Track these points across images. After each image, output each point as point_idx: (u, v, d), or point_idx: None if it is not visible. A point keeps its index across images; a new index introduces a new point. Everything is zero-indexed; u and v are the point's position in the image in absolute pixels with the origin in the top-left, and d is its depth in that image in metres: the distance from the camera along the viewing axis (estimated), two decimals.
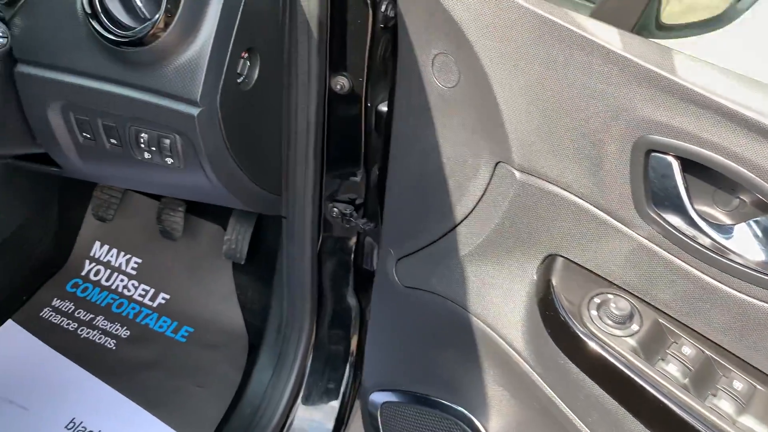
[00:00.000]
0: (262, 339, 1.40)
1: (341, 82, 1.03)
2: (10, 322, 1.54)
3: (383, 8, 0.98)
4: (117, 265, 1.66)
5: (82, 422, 1.37)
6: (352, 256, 1.28)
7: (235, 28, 0.84)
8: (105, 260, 1.67)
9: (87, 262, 1.67)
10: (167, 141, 0.88)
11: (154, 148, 0.89)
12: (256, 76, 0.92)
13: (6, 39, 0.71)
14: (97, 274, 1.65)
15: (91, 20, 0.79)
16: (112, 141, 0.91)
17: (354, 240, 1.26)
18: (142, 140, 0.89)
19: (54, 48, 0.84)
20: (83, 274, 1.65)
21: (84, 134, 0.92)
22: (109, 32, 0.79)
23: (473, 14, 0.72)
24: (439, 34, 0.77)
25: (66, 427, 1.36)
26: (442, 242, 0.90)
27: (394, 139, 0.90)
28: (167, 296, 1.61)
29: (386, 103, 1.08)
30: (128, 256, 1.66)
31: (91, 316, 1.57)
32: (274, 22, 0.93)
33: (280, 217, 1.40)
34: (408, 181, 0.92)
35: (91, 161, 0.97)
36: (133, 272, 1.65)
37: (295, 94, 1.01)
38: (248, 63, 0.90)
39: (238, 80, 0.89)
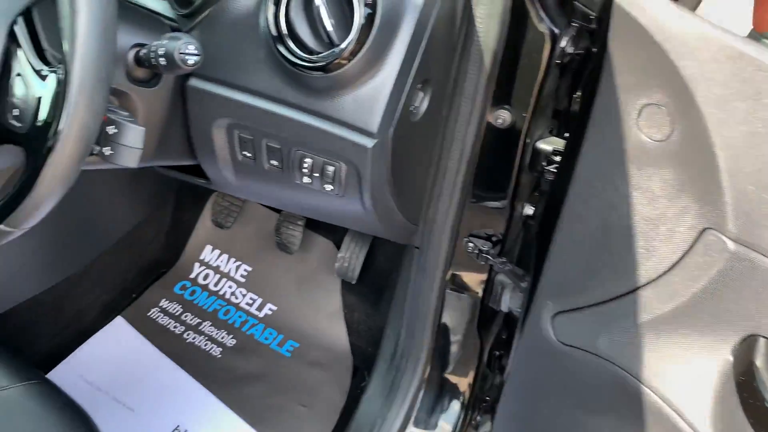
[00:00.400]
0: (373, 366, 1.35)
1: (503, 116, 0.98)
2: (119, 318, 1.55)
3: (563, 43, 0.92)
4: (226, 270, 1.65)
5: (186, 431, 1.36)
6: (480, 293, 1.22)
7: (418, 59, 0.79)
8: (214, 265, 1.67)
9: (197, 265, 1.67)
10: (331, 168, 0.85)
11: (316, 174, 0.86)
12: (425, 107, 0.87)
13: (200, 57, 0.68)
14: (205, 278, 1.65)
15: (276, 43, 0.77)
16: (273, 162, 0.88)
17: (484, 277, 1.21)
18: (305, 165, 0.86)
19: (230, 65, 0.82)
20: (192, 276, 1.66)
21: (245, 153, 0.89)
22: (294, 55, 0.76)
23: (705, 71, 0.65)
24: (654, 85, 0.70)
25: None
26: (617, 303, 0.83)
27: (574, 185, 0.84)
28: (274, 308, 1.59)
29: (545, 141, 1.03)
30: (238, 263, 1.66)
31: (198, 320, 1.57)
32: (448, 53, 0.89)
33: (398, 243, 1.36)
34: (584, 231, 0.86)
35: (244, 179, 0.94)
36: (242, 280, 1.64)
37: (453, 124, 0.97)
38: (421, 94, 0.86)
39: (411, 111, 0.85)
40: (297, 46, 0.77)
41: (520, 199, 1.10)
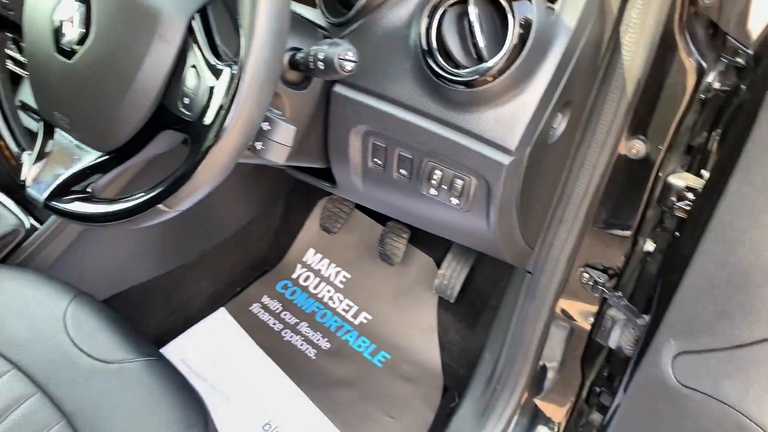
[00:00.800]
0: (466, 386, 1.34)
1: (637, 147, 0.96)
2: (222, 309, 1.61)
3: (710, 78, 0.89)
4: (326, 275, 1.69)
5: (277, 427, 1.40)
6: (588, 326, 1.19)
7: (563, 82, 0.79)
8: (316, 268, 1.71)
9: (299, 266, 1.72)
10: (460, 182, 0.85)
11: (444, 187, 0.87)
12: (562, 129, 0.87)
13: (357, 63, 0.71)
14: (306, 279, 1.69)
15: (425, 55, 0.78)
16: (402, 172, 0.90)
17: (594, 309, 1.18)
18: (434, 177, 0.87)
19: (376, 74, 0.84)
20: (294, 277, 1.70)
21: (376, 160, 0.91)
22: (441, 68, 0.78)
23: None
24: None
25: (263, 427, 1.39)
26: (752, 350, 0.79)
27: (714, 224, 0.81)
28: (369, 317, 1.61)
29: (678, 176, 1.00)
30: (338, 268, 1.69)
31: (296, 320, 1.61)
32: (590, 77, 0.88)
33: (502, 266, 1.34)
34: (721, 272, 0.82)
35: (371, 186, 0.97)
36: (341, 285, 1.67)
37: (585, 150, 0.95)
38: (560, 116, 0.85)
39: (549, 133, 0.84)
40: (444, 60, 0.78)
41: (643, 233, 1.07)
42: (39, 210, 1.31)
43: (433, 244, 1.62)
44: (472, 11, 0.75)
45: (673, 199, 1.00)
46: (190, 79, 0.68)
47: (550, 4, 0.76)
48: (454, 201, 0.88)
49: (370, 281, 1.65)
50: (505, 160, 0.79)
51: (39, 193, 0.78)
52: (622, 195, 1.02)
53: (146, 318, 1.51)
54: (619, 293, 1.08)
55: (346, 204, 1.66)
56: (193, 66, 0.68)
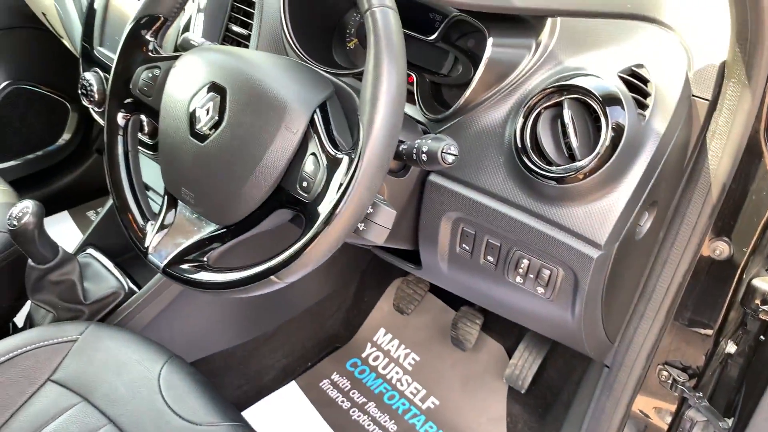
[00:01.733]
0: None
1: (721, 248, 0.98)
2: (293, 383, 1.65)
3: None
4: (396, 356, 1.71)
5: None
6: (665, 425, 1.17)
7: (651, 182, 0.83)
8: (385, 348, 1.73)
9: (369, 345, 1.75)
10: (547, 272, 0.89)
11: (531, 276, 0.91)
12: (647, 227, 0.90)
13: (458, 157, 0.77)
14: (375, 359, 1.72)
15: (520, 153, 0.84)
16: (489, 259, 0.94)
17: (672, 408, 1.16)
18: (521, 265, 0.91)
19: (469, 167, 0.90)
20: (363, 355, 1.73)
21: (464, 246, 0.96)
22: (535, 165, 0.83)
23: None
24: None
25: None
26: None
27: None
28: (437, 402, 1.61)
29: (762, 279, 1.00)
30: (408, 350, 1.71)
31: (364, 400, 1.62)
32: (676, 178, 0.92)
33: (571, 357, 1.35)
34: None
35: (456, 270, 1.01)
36: (409, 368, 1.69)
37: (669, 248, 0.98)
38: (647, 214, 0.89)
39: (635, 230, 0.88)
40: (537, 157, 0.84)
41: (725, 334, 1.06)
42: (138, 275, 1.41)
43: (504, 332, 1.64)
44: (567, 114, 0.81)
45: (757, 302, 1.00)
46: (309, 164, 0.76)
47: (640, 111, 0.81)
48: (540, 290, 0.91)
49: (440, 365, 1.66)
50: (594, 253, 0.83)
51: (159, 261, 0.85)
52: (704, 294, 1.03)
53: (223, 385, 1.56)
54: (700, 394, 1.07)
55: (420, 286, 1.70)
56: (313, 154, 0.76)
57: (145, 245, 0.88)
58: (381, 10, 0.71)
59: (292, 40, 1.07)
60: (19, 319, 1.40)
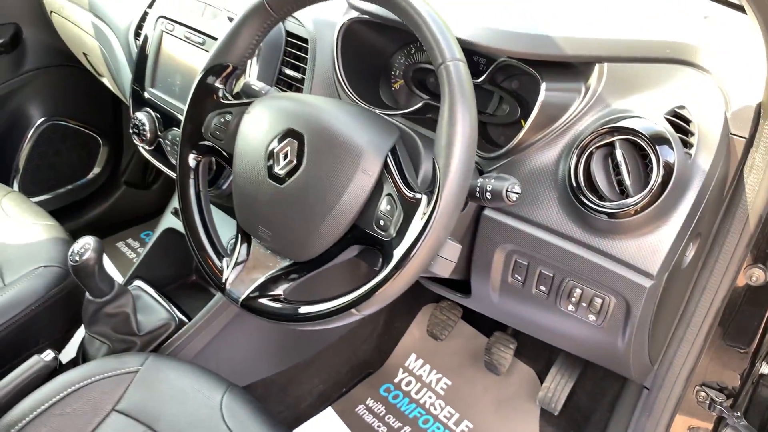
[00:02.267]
0: None
1: (757, 275, 1.04)
2: (330, 409, 1.69)
3: None
4: (428, 381, 1.76)
5: None
6: None
7: (698, 215, 0.89)
8: (417, 373, 1.78)
9: (401, 370, 1.79)
10: (599, 301, 0.95)
11: (584, 304, 0.96)
12: (691, 257, 0.96)
13: (520, 195, 0.83)
14: (408, 384, 1.76)
15: (573, 189, 0.90)
16: (541, 288, 1.00)
17: (709, 427, 1.21)
18: (574, 294, 0.96)
19: (525, 202, 0.96)
20: (396, 381, 1.78)
21: (516, 276, 1.02)
22: (589, 200, 0.89)
23: None
24: None
25: None
26: None
27: None
28: (470, 425, 1.66)
29: None
30: (439, 375, 1.76)
31: (399, 424, 1.67)
32: (716, 210, 0.98)
33: (600, 380, 1.39)
34: None
35: (506, 299, 1.07)
36: (442, 392, 1.73)
37: (708, 275, 1.03)
38: (691, 245, 0.95)
39: (682, 260, 0.94)
40: (590, 192, 0.90)
41: (761, 356, 1.12)
42: (185, 305, 1.46)
43: (535, 357, 1.69)
44: (619, 153, 0.87)
45: None
46: (384, 204, 0.81)
47: (686, 150, 0.88)
48: (591, 317, 0.97)
49: (471, 389, 1.71)
50: (647, 283, 0.89)
51: (237, 295, 0.91)
52: (741, 318, 1.09)
53: None
54: (738, 413, 1.12)
55: (453, 312, 1.75)
56: (389, 194, 0.81)
57: (223, 281, 0.93)
58: (454, 63, 0.77)
59: (345, 82, 1.13)
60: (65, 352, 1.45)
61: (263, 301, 0.89)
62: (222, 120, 0.97)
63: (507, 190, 0.82)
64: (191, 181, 1.00)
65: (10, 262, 1.40)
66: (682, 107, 0.91)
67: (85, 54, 1.75)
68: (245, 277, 0.92)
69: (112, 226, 2.26)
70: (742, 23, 1.10)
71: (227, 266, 0.94)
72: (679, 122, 0.89)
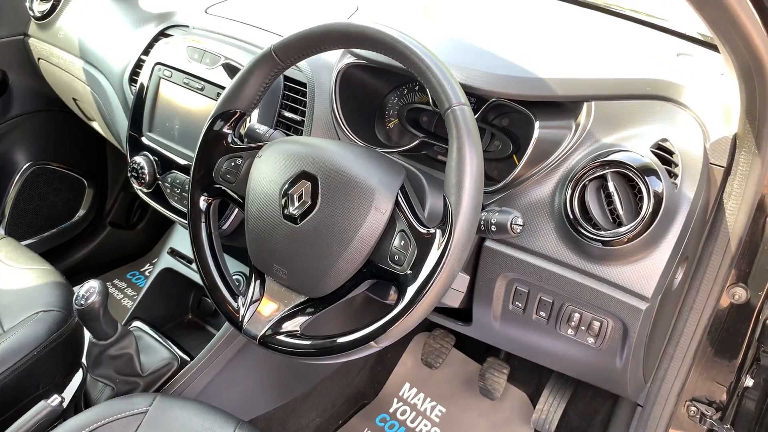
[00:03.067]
0: None
1: (739, 293, 1.11)
2: None
3: None
4: (422, 409, 1.79)
5: None
6: None
7: (686, 240, 0.96)
8: (412, 402, 1.81)
9: (395, 400, 1.82)
10: (598, 323, 1.00)
11: (583, 328, 1.02)
12: (679, 279, 1.02)
13: (523, 227, 0.88)
14: (403, 413, 1.79)
15: (570, 220, 0.96)
16: (541, 314, 1.05)
17: None
18: (573, 319, 1.02)
19: (524, 233, 1.02)
20: (391, 410, 1.80)
21: (516, 303, 1.07)
22: (584, 229, 0.95)
23: None
24: None
25: None
26: None
27: None
28: None
29: None
30: (434, 402, 1.79)
31: None
32: (700, 235, 1.05)
33: (591, 400, 1.45)
34: None
35: (506, 326, 1.11)
36: (437, 419, 1.76)
37: (694, 295, 1.10)
38: (680, 268, 1.01)
39: (672, 282, 1.00)
40: (586, 222, 0.96)
41: (745, 369, 1.19)
42: (185, 343, 1.48)
43: (526, 380, 1.73)
44: (611, 185, 0.93)
45: None
46: (398, 240, 0.86)
47: (672, 180, 0.95)
48: (590, 340, 1.02)
49: (467, 416, 1.74)
50: (643, 305, 0.95)
51: (255, 333, 0.94)
52: (726, 334, 1.16)
53: None
54: (728, 426, 1.18)
55: (446, 340, 1.79)
56: (402, 231, 0.86)
57: (239, 320, 0.96)
58: (459, 107, 0.83)
59: (343, 123, 1.18)
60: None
61: (281, 338, 0.92)
62: (233, 164, 1.01)
63: (512, 223, 0.88)
64: (203, 224, 1.04)
65: (7, 308, 1.40)
66: (665, 140, 0.99)
67: (74, 99, 1.77)
68: (261, 315, 0.95)
69: (99, 267, 2.26)
70: (713, 59, 1.19)
71: (242, 304, 0.97)
72: (664, 154, 0.96)
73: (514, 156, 1.13)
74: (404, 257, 0.85)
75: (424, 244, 0.84)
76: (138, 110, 1.40)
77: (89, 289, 1.22)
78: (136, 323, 1.50)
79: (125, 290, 2.23)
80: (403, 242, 0.86)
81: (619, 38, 1.24)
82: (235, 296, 0.99)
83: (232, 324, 0.98)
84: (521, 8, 1.37)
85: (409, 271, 0.84)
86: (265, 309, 0.96)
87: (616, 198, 0.93)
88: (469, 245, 0.83)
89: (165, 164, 1.37)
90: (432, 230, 0.84)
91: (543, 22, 1.29)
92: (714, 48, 1.22)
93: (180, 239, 1.56)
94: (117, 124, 1.55)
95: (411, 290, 0.83)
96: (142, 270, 2.34)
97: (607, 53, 1.13)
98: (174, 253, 1.56)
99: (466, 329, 1.20)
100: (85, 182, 2.17)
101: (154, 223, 2.39)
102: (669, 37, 1.27)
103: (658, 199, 0.92)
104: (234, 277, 1.43)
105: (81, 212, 2.20)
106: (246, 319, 0.96)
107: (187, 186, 1.29)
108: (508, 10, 1.35)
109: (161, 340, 1.44)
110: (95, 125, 1.78)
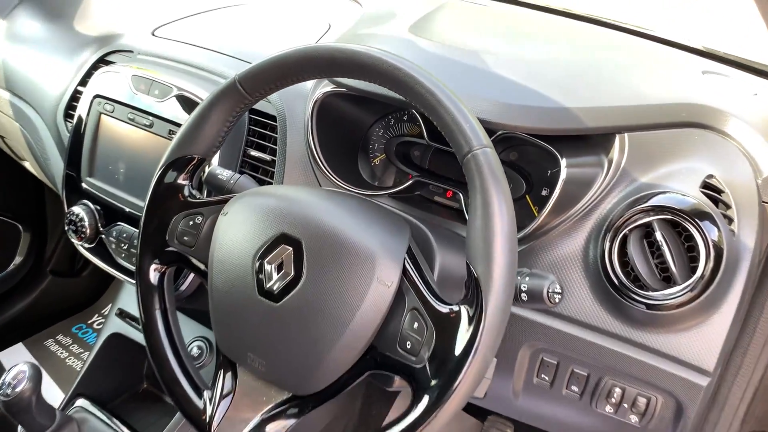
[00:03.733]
0: None
1: None
2: None
3: None
4: None
5: None
6: None
7: (748, 299, 0.80)
8: None
9: None
10: (644, 400, 0.83)
11: (625, 405, 0.84)
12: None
13: (562, 296, 0.71)
14: None
15: (612, 278, 0.79)
16: (573, 389, 0.88)
17: None
18: (614, 395, 0.84)
19: None
20: None
21: (543, 376, 0.89)
22: (630, 290, 0.78)
23: None
24: None
25: None
26: None
27: None
28: None
29: None
30: None
31: None
32: (752, 286, 0.89)
33: None
34: None
35: (529, 400, 0.94)
36: None
37: (742, 356, 0.94)
38: None
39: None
40: (629, 280, 0.79)
41: None
42: (135, 422, 1.25)
43: None
44: (659, 235, 0.77)
45: None
46: (409, 321, 0.67)
47: (730, 227, 0.79)
48: (634, 419, 0.85)
49: None
50: (703, 381, 0.78)
51: None
52: None
53: None
54: None
55: None
56: (414, 309, 0.67)
57: (205, 423, 0.75)
58: (482, 151, 0.65)
59: (321, 160, 1.00)
60: None
61: None
62: (191, 222, 0.81)
63: (549, 291, 0.70)
64: (156, 299, 0.83)
65: None
66: (711, 176, 0.83)
67: (1, 136, 1.54)
68: (233, 416, 0.75)
69: (40, 321, 2.00)
70: (743, 78, 1.04)
71: (209, 400, 0.77)
72: (713, 194, 0.80)
73: (527, 197, 0.96)
74: (420, 344, 0.66)
75: (446, 328, 0.65)
76: (75, 151, 1.19)
77: (17, 375, 1.00)
78: (80, 402, 1.26)
79: (71, 347, 1.97)
80: (416, 324, 0.67)
81: (636, 57, 1.08)
82: (199, 391, 0.79)
83: (196, 428, 0.77)
84: (523, 23, 1.20)
85: (428, 363, 0.65)
86: (237, 408, 0.75)
87: (666, 250, 0.76)
88: (504, 326, 0.64)
89: (109, 214, 1.15)
90: (455, 308, 0.65)
91: (550, 39, 1.12)
92: (742, 67, 1.07)
93: (129, 298, 1.34)
94: (51, 165, 1.32)
95: (433, 390, 0.64)
96: (89, 322, 2.08)
97: (629, 75, 0.97)
98: (123, 314, 1.34)
99: (477, 401, 1.02)
100: (20, 227, 1.92)
101: (103, 270, 2.14)
102: (689, 55, 1.11)
103: (718, 250, 0.75)
104: (195, 343, 1.21)
105: (17, 260, 1.94)
106: (216, 422, 0.75)
107: (135, 241, 1.08)
108: (510, 25, 1.18)
109: (111, 423, 1.21)
110: (28, 165, 1.55)
